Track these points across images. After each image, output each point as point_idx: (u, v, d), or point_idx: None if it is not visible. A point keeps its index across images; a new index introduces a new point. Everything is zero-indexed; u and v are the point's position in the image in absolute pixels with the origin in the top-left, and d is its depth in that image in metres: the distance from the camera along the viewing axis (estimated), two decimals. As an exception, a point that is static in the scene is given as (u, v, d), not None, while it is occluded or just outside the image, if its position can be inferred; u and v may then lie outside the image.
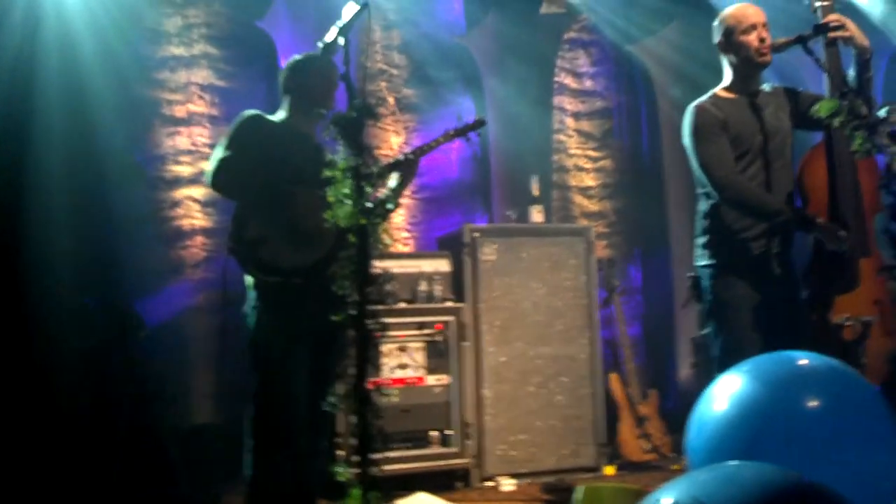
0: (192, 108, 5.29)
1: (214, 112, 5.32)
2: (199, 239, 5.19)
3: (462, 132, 3.70)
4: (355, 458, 2.53)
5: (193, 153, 5.24)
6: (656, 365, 6.16)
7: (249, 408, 3.34)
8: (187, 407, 4.98)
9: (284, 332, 3.35)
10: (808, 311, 3.32)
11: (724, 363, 3.21)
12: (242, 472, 3.35)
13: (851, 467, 2.34)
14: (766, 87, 3.46)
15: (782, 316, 3.30)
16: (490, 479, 4.73)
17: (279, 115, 3.59)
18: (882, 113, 2.83)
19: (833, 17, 3.20)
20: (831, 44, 3.22)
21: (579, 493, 3.26)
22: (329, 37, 3.00)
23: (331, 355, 3.40)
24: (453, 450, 4.69)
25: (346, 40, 2.95)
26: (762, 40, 3.31)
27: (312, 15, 5.41)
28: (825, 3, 3.28)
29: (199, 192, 5.17)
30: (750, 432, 2.46)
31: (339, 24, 2.95)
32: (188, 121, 5.28)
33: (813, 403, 2.47)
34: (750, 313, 3.28)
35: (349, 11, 2.96)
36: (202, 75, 5.33)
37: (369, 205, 2.78)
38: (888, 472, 2.40)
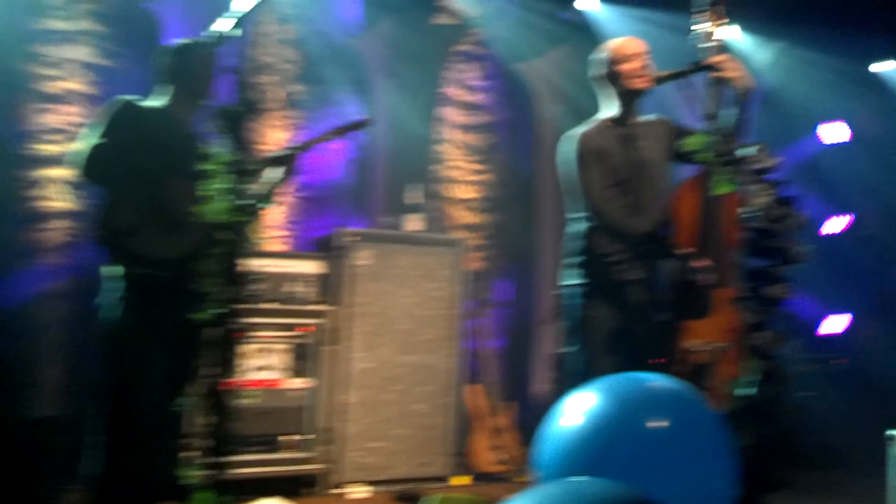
0: (69, 85, 5.07)
1: (93, 91, 5.12)
2: (60, 222, 4.97)
3: (347, 130, 3.69)
4: (203, 460, 2.48)
5: (64, 132, 5.02)
6: (515, 378, 6.26)
7: (98, 402, 3.22)
8: (33, 398, 4.75)
9: (143, 327, 3.24)
10: (664, 334, 3.45)
11: (582, 380, 3.33)
12: (86, 469, 3.22)
13: (690, 487, 2.45)
14: (646, 117, 3.59)
15: (640, 338, 3.44)
16: (343, 485, 4.70)
17: (156, 101, 3.47)
18: (748, 151, 2.97)
19: (719, 58, 3.33)
20: (715, 82, 3.36)
21: (432, 502, 3.28)
22: (224, 26, 2.93)
23: (188, 353, 3.31)
24: (308, 454, 4.64)
25: (241, 32, 2.90)
26: (643, 67, 3.45)
27: (204, 4, 5.28)
28: (712, 44, 3.41)
29: (65, 172, 4.95)
30: (597, 448, 2.54)
31: (237, 13, 2.89)
32: (62, 98, 5.06)
33: (659, 424, 2.56)
34: (609, 333, 3.42)
35: (249, 2, 2.91)
36: (83, 52, 5.12)
37: (246, 202, 2.73)
38: (722, 494, 2.53)
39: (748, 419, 2.73)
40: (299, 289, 4.81)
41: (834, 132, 7.08)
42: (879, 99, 7.10)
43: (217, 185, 2.74)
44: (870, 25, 6.47)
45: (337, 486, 4.71)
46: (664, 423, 2.53)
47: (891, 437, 3.53)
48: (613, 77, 3.52)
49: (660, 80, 3.41)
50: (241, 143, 2.80)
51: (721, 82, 3.32)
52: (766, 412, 2.72)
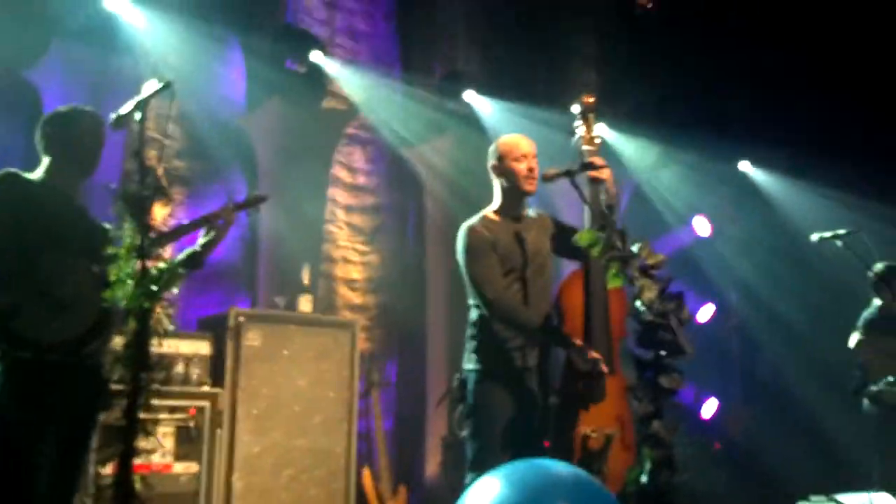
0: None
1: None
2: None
3: (246, 206, 3.68)
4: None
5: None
6: (406, 460, 6.26)
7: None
8: None
9: (32, 415, 3.03)
10: (558, 419, 3.57)
11: (477, 464, 3.40)
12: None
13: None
14: (530, 212, 3.76)
15: (535, 423, 3.54)
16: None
17: (37, 174, 3.27)
18: (635, 248, 3.14)
19: (598, 160, 3.56)
20: (594, 181, 3.58)
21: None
22: (124, 109, 2.93)
23: (82, 442, 3.18)
24: (202, 543, 4.51)
25: (142, 116, 2.90)
26: (531, 170, 3.64)
27: (87, 76, 5.19)
28: (591, 148, 3.66)
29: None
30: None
31: (138, 98, 2.90)
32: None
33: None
34: (505, 420, 3.49)
35: (150, 87, 2.93)
36: (-42, 122, 4.92)
37: (152, 286, 2.70)
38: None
39: (644, 505, 2.86)
40: (185, 370, 4.70)
41: (698, 226, 7.55)
42: (741, 195, 7.65)
43: (124, 269, 2.71)
44: (735, 126, 7.02)
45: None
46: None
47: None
48: (501, 171, 3.68)
49: (549, 179, 3.55)
50: (146, 227, 2.79)
51: (597, 181, 3.55)
52: (661, 499, 2.85)
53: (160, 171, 5.59)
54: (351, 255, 6.56)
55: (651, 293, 3.05)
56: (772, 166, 7.59)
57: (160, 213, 5.74)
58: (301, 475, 4.90)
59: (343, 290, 6.44)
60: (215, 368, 4.82)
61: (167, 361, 4.60)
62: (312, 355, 5.08)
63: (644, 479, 2.87)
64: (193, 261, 3.44)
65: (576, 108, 3.73)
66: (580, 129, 3.72)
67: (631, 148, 7.30)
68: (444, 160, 6.84)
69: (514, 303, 3.55)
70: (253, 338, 4.90)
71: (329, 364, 5.13)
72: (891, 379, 4.66)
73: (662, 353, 3.01)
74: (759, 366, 7.47)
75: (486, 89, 6.83)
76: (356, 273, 6.55)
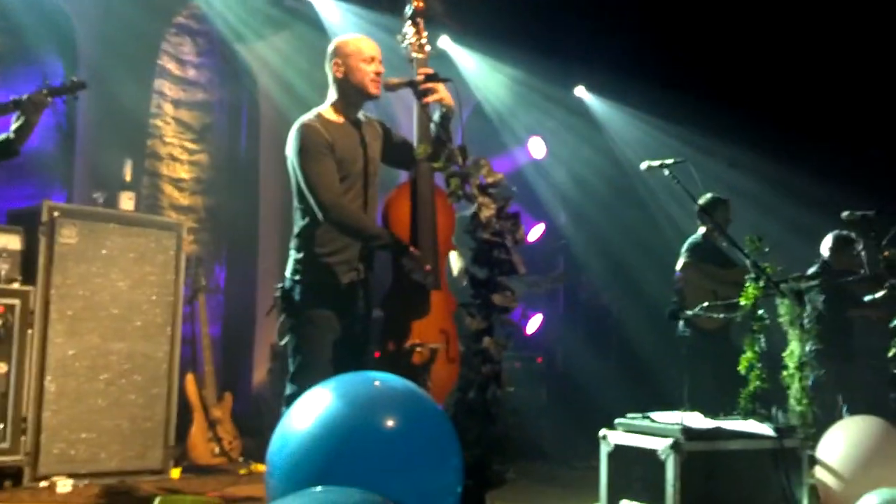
0: None
1: None
2: None
3: (62, 91, 3.40)
4: None
5: None
6: (232, 367, 6.17)
7: None
8: None
9: None
10: (385, 333, 3.55)
11: (297, 376, 3.34)
12: None
13: (421, 485, 2.57)
14: (361, 115, 3.63)
15: (357, 336, 3.50)
16: (45, 478, 4.40)
17: None
18: (475, 165, 3.11)
19: (427, 71, 3.43)
20: (424, 94, 3.46)
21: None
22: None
23: None
24: (4, 446, 4.30)
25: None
26: (378, 74, 3.51)
27: None
28: (420, 56, 3.51)
29: None
30: (331, 449, 2.56)
31: None
32: None
33: (390, 423, 2.65)
34: (328, 333, 3.40)
35: None
36: None
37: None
38: (450, 489, 2.68)
39: (471, 419, 2.90)
40: (-11, 265, 4.38)
41: (533, 147, 7.70)
42: (576, 120, 7.83)
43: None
44: (572, 51, 7.11)
45: (37, 480, 4.39)
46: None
47: (603, 437, 3.84)
48: (347, 72, 3.48)
49: (391, 87, 3.40)
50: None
51: (430, 104, 3.43)
52: (488, 413, 2.91)
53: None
54: (178, 152, 6.26)
55: (489, 212, 3.05)
56: (606, 94, 7.78)
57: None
58: (119, 380, 4.71)
59: (169, 190, 6.15)
60: (26, 265, 4.52)
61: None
62: (134, 256, 4.83)
63: (472, 393, 2.92)
64: (6, 148, 3.15)
65: (406, 11, 3.54)
66: (409, 34, 3.55)
67: (473, 64, 7.28)
68: (280, 59, 6.56)
69: (353, 208, 3.43)
70: (68, 235, 4.60)
71: (152, 266, 4.90)
72: (706, 304, 4.93)
73: (497, 271, 3.04)
74: (582, 286, 7.81)
75: (328, -13, 6.57)
76: (184, 172, 6.26)
